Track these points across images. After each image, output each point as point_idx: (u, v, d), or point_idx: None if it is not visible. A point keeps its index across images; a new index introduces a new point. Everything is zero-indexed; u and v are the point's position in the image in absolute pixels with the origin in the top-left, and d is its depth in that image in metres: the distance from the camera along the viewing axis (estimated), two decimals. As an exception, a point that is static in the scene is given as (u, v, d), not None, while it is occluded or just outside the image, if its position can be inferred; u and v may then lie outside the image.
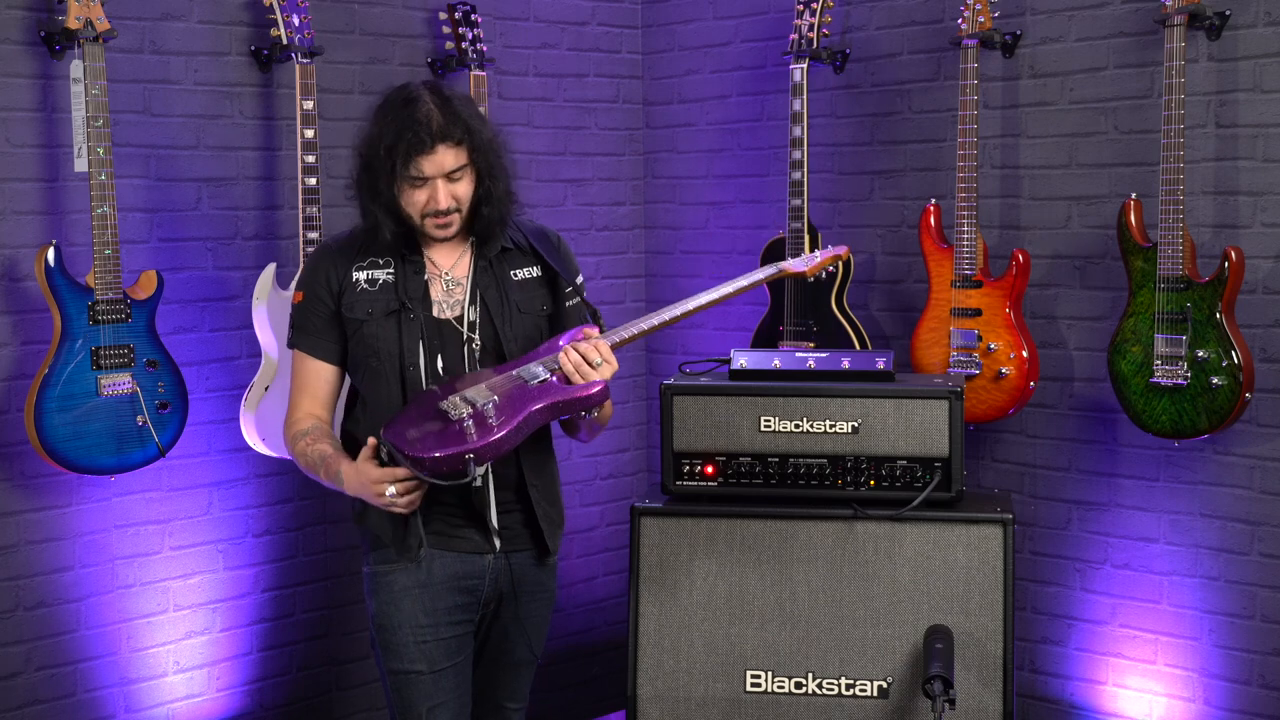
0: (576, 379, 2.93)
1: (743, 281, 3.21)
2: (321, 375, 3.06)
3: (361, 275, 3.02)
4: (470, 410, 2.87)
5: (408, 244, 3.03)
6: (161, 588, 3.96)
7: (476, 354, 3.03)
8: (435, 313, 3.03)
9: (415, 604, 3.00)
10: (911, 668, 3.50)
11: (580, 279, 3.18)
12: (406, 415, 2.92)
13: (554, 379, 2.95)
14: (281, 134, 4.07)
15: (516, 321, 3.07)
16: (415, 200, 2.96)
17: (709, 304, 3.15)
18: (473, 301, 3.05)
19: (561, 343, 3.00)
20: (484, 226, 3.04)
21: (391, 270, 3.02)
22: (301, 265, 3.06)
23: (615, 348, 2.99)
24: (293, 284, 3.03)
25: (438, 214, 2.97)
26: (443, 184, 2.95)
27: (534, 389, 2.93)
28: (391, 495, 2.86)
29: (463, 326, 3.03)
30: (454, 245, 3.07)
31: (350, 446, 3.03)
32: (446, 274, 3.05)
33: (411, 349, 2.99)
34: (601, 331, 3.04)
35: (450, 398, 2.90)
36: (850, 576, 3.56)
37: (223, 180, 4.01)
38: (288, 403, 3.11)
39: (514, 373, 2.96)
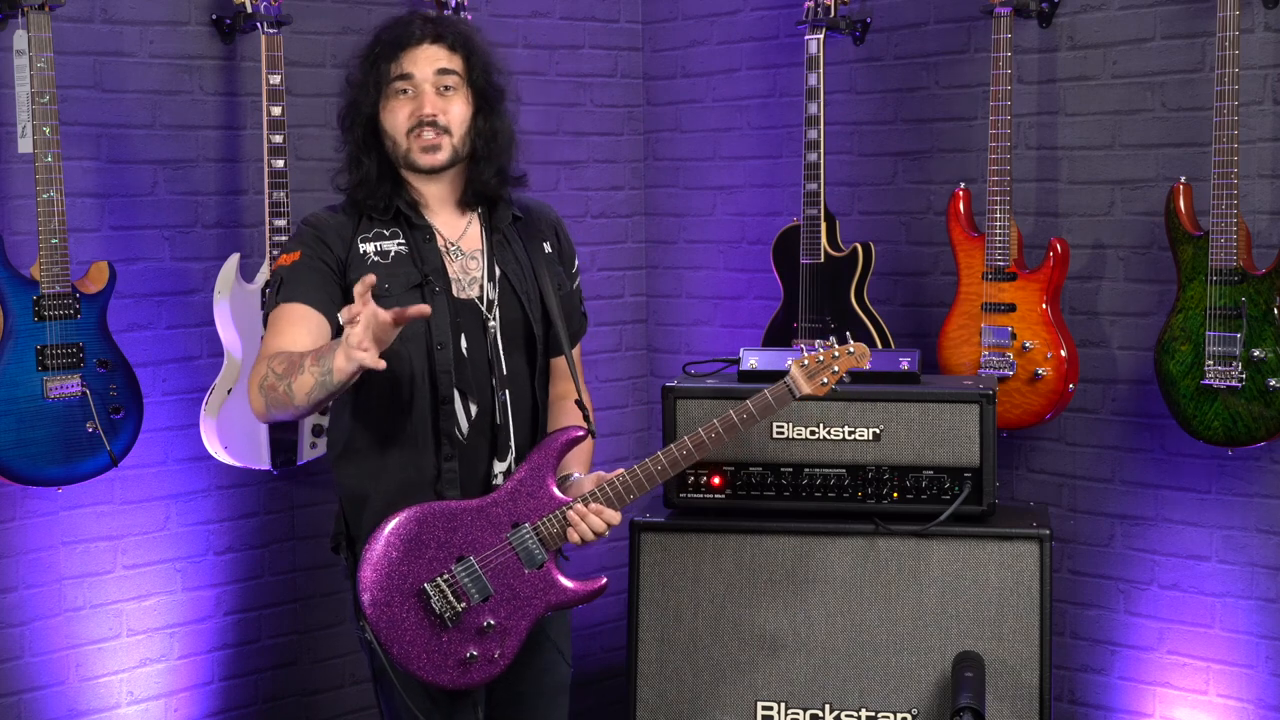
0: (578, 542, 2.96)
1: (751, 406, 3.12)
2: (310, 321, 2.88)
3: (369, 247, 2.97)
4: (465, 606, 2.90)
5: (408, 207, 2.99)
6: (114, 610, 4.00)
7: (496, 338, 3.00)
8: (455, 291, 3.00)
9: None
10: (939, 698, 3.54)
11: (576, 265, 3.20)
12: (390, 572, 2.88)
13: (549, 559, 2.96)
14: (246, 111, 4.12)
15: (542, 303, 3.05)
16: (400, 113, 2.93)
17: (722, 435, 3.09)
18: (490, 278, 3.02)
19: (553, 488, 2.97)
20: (484, 178, 3.00)
21: (402, 240, 2.98)
22: (291, 233, 3.05)
23: (624, 505, 3.00)
24: (274, 253, 2.99)
25: (423, 126, 2.92)
26: (430, 90, 2.94)
27: (531, 580, 2.95)
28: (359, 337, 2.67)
29: (482, 305, 3.01)
30: (457, 212, 3.03)
31: (358, 434, 2.96)
32: (454, 245, 3.01)
33: (440, 326, 2.94)
34: (590, 429, 3.02)
35: (436, 580, 2.89)
36: (871, 598, 3.59)
37: (181, 162, 4.05)
38: (255, 362, 2.94)
39: (509, 543, 2.94)
